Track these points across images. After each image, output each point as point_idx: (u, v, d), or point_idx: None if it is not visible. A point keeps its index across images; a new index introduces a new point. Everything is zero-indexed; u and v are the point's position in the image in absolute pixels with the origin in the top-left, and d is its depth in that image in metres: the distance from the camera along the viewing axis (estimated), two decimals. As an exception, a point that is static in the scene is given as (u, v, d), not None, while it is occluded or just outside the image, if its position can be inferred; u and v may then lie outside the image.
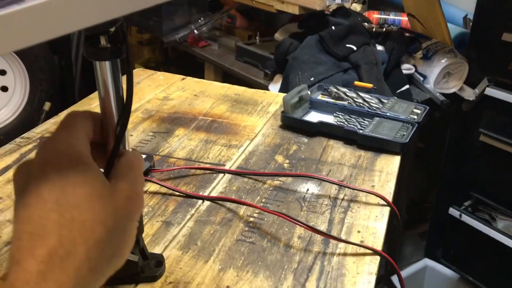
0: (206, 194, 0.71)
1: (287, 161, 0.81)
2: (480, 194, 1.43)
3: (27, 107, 2.14)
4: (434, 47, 1.42)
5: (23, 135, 0.84)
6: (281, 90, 1.33)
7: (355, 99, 0.99)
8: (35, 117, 2.13)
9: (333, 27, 1.31)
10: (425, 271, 1.63)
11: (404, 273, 1.61)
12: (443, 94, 1.39)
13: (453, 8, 1.93)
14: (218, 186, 0.73)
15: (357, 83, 1.04)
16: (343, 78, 1.27)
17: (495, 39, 1.28)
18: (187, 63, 2.12)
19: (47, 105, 2.15)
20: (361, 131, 0.86)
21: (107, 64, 0.45)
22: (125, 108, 0.47)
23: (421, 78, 1.40)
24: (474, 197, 1.44)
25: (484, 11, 1.37)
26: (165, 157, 0.80)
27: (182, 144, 0.85)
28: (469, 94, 1.36)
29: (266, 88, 1.46)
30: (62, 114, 0.92)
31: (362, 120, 0.91)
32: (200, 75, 1.90)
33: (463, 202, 1.44)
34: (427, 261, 1.64)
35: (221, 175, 0.76)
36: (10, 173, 0.73)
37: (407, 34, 1.52)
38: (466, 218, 1.39)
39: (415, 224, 1.89)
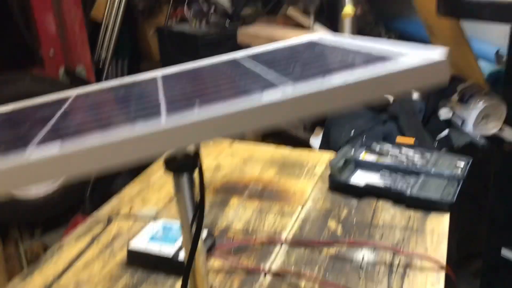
0: (267, 267, 0.75)
1: (340, 226, 0.85)
2: (531, 232, 1.41)
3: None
4: (469, 90, 1.44)
5: (92, 215, 0.91)
6: (322, 144, 1.38)
7: (398, 156, 1.02)
8: (86, 178, 2.23)
9: (368, 81, 1.36)
10: (482, 313, 1.60)
11: (460, 315, 1.58)
12: (483, 137, 1.40)
13: (484, 44, 1.95)
14: (277, 258, 0.77)
15: (399, 139, 1.08)
16: (383, 129, 1.30)
17: (531, 80, 1.30)
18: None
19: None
20: (408, 192, 0.89)
21: (184, 175, 0.51)
22: (199, 209, 0.54)
23: (460, 122, 1.42)
24: (525, 236, 1.42)
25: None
26: (224, 230, 0.85)
27: (238, 215, 0.90)
28: (510, 134, 1.38)
29: (305, 140, 1.51)
30: (125, 192, 0.99)
31: (408, 179, 0.95)
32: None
33: (514, 242, 1.43)
34: (483, 302, 1.62)
35: (278, 246, 0.81)
36: (86, 257, 0.80)
37: (441, 78, 1.55)
38: (519, 259, 1.38)
39: (467, 261, 1.86)
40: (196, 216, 0.54)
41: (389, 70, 0.37)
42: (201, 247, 0.56)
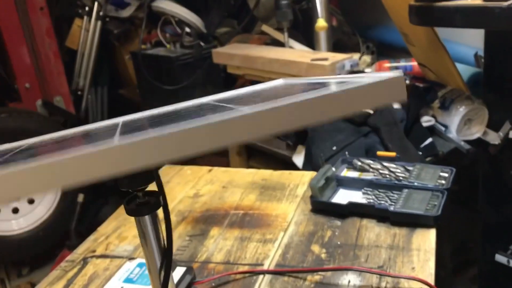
0: (249, 301, 0.72)
1: (324, 250, 0.82)
2: (524, 235, 1.39)
3: (62, 201, 2.19)
4: (450, 95, 1.42)
5: (67, 258, 0.87)
6: (305, 162, 1.35)
7: (380, 170, 0.99)
8: (70, 210, 2.18)
9: (347, 94, 1.34)
10: (482, 319, 1.57)
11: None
12: (467, 141, 1.38)
13: (462, 46, 1.95)
14: (260, 290, 0.74)
15: (380, 153, 1.05)
16: (365, 142, 1.28)
17: (510, 82, 1.29)
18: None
19: (80, 197, 2.21)
20: (392, 208, 0.86)
21: (146, 217, 0.48)
22: (166, 254, 0.50)
23: (443, 128, 1.40)
24: (518, 239, 1.40)
25: (494, 53, 1.38)
26: (204, 263, 0.82)
27: (218, 246, 0.86)
28: (494, 137, 1.36)
29: (289, 158, 1.48)
30: (101, 229, 0.96)
31: (392, 194, 0.92)
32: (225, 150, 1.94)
33: (508, 246, 1.40)
34: (482, 308, 1.58)
35: (261, 276, 0.77)
36: (59, 304, 0.76)
37: (421, 85, 1.53)
38: (514, 264, 1.35)
39: (463, 269, 1.83)
40: (163, 264, 0.50)
41: (346, 87, 0.36)
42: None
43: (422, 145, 1.33)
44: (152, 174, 0.46)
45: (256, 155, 1.84)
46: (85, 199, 2.20)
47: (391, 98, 0.37)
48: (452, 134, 1.39)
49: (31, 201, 2.12)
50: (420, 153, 1.30)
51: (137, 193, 0.48)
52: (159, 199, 0.48)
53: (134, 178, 0.44)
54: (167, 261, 0.51)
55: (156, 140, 0.35)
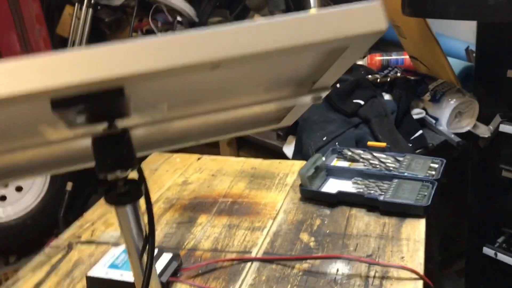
0: (236, 288, 0.71)
1: (313, 238, 0.81)
2: (512, 228, 1.40)
3: (50, 189, 2.18)
4: (441, 88, 1.42)
5: (51, 243, 0.86)
6: (295, 152, 1.34)
7: (370, 160, 0.99)
8: (58, 199, 2.16)
9: (337, 85, 1.33)
10: (468, 312, 1.58)
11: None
12: (457, 134, 1.38)
13: (454, 40, 1.95)
14: (248, 277, 0.73)
15: (370, 143, 1.05)
16: (355, 133, 1.28)
17: (500, 76, 1.29)
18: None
19: (69, 185, 2.19)
20: (382, 198, 0.86)
21: (128, 207, 0.46)
22: (148, 243, 0.49)
23: (433, 121, 1.40)
24: (506, 233, 1.41)
25: (486, 46, 1.38)
26: (191, 250, 0.81)
27: (206, 233, 0.85)
28: (484, 131, 1.36)
29: (280, 149, 1.48)
30: (87, 215, 0.94)
31: (382, 184, 0.92)
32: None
33: (496, 239, 1.41)
34: (469, 301, 1.59)
35: (249, 264, 0.76)
36: (43, 289, 0.75)
37: (413, 78, 1.53)
38: (502, 257, 1.36)
39: (450, 261, 1.84)
40: (144, 250, 0.49)
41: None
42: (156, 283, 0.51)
43: (413, 137, 1.33)
44: (132, 160, 0.44)
45: (246, 145, 1.83)
46: (73, 187, 2.18)
47: (370, 24, 0.36)
48: (443, 126, 1.39)
49: (19, 189, 2.10)
50: (410, 145, 1.30)
51: (117, 181, 0.46)
52: (140, 188, 0.46)
53: (110, 164, 0.42)
54: (149, 249, 0.49)
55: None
